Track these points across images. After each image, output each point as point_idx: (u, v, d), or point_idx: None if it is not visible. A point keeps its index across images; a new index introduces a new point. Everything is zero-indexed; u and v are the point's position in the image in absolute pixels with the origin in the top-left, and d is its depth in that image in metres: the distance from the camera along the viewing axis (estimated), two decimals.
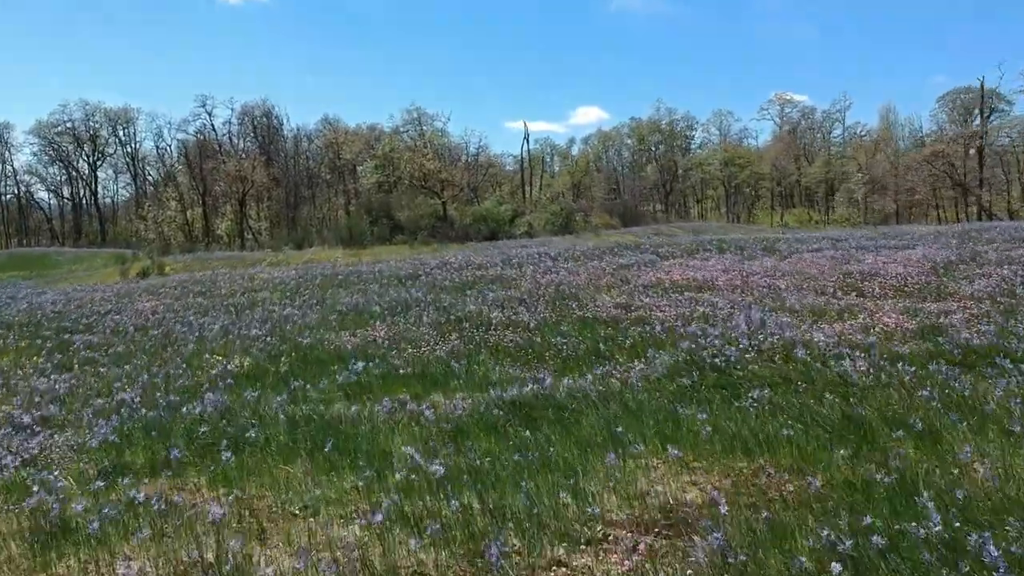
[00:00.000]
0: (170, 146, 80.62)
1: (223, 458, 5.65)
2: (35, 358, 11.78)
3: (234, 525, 4.41)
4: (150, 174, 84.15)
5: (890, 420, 5.58)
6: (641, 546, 3.82)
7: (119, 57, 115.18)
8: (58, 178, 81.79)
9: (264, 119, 75.99)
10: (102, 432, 6.70)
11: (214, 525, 4.12)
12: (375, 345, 10.21)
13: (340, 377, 8.20)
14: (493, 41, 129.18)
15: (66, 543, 4.34)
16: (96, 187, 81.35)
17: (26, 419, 7.51)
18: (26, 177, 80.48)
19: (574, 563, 3.72)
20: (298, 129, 79.79)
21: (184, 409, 7.29)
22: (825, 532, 3.55)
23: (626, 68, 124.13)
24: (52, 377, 9.97)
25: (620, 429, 5.66)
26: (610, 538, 3.97)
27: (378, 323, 12.04)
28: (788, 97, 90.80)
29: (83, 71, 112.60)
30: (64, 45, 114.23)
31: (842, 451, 4.96)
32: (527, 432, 5.86)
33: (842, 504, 4.10)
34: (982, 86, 59.18)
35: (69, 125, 77.93)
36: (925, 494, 3.91)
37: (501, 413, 6.28)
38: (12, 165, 79.71)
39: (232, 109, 76.33)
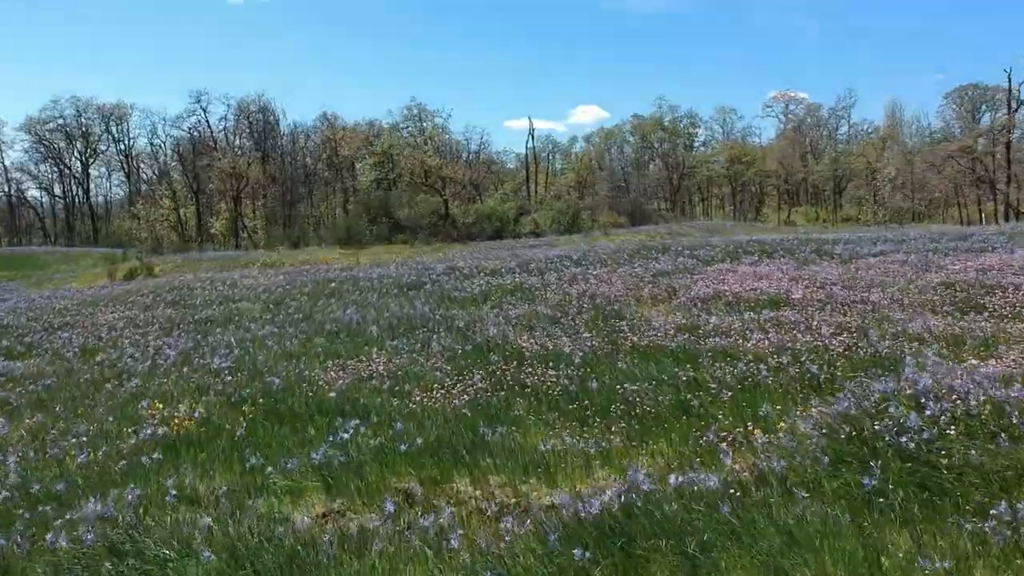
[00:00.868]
0: (164, 143, 77.97)
1: None
2: None
3: None
4: (144, 172, 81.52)
5: None
6: None
7: (112, 52, 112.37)
8: (50, 176, 79.19)
9: (260, 115, 73.21)
10: None
11: None
12: (371, 388, 7.65)
13: (318, 454, 5.61)
14: (491, 40, 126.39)
15: None
16: (88, 185, 78.74)
17: None
18: (17, 175, 77.80)
19: None
20: (295, 125, 77.10)
21: (67, 516, 4.68)
22: None
23: (625, 66, 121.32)
24: None
25: None
26: None
27: (376, 351, 9.48)
28: (792, 95, 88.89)
29: (75, 66, 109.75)
30: (56, 40, 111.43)
31: None
32: None
33: None
34: (1009, 79, 56.50)
35: (61, 121, 75.23)
36: None
37: (581, 553, 3.69)
38: (3, 163, 77.03)
39: (228, 105, 73.55)
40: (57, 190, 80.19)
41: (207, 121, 72.38)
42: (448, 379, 7.73)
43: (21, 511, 5.04)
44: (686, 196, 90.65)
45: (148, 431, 6.49)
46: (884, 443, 4.65)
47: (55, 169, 78.85)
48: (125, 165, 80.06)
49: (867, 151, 74.49)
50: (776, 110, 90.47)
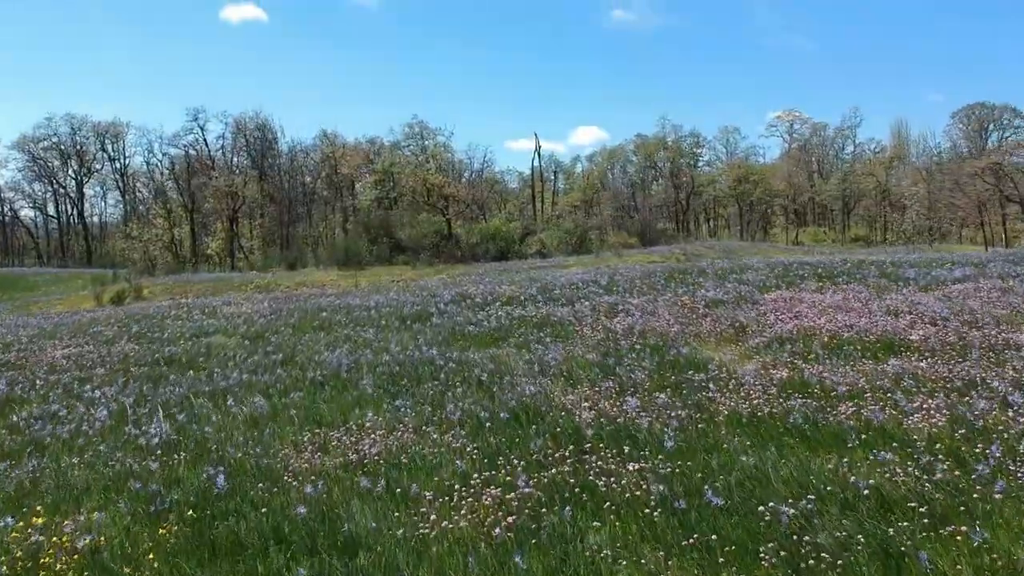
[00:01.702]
0: (160, 162, 75.79)
1: None
2: None
3: None
4: (140, 191, 79.27)
5: None
6: None
7: (108, 69, 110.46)
8: (43, 195, 77.02)
9: (258, 132, 71.05)
10: None
11: None
12: (359, 490, 5.13)
13: None
14: (492, 62, 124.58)
15: None
16: (83, 205, 76.45)
17: None
18: (10, 194, 75.58)
19: None
20: (294, 143, 74.92)
21: None
22: None
23: (624, 88, 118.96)
24: None
25: None
26: None
27: (371, 413, 7.00)
28: (797, 114, 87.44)
29: (70, 83, 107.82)
30: (51, 56, 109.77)
31: None
32: None
33: None
34: None
35: (55, 139, 73.21)
36: None
37: None
38: None
39: (225, 123, 71.46)
40: (51, 209, 78.10)
41: (204, 139, 70.29)
42: (474, 472, 5.24)
43: None
44: (692, 216, 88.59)
45: None
46: None
47: (49, 188, 76.79)
48: (120, 184, 77.87)
49: (876, 170, 72.93)
50: (780, 129, 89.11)
